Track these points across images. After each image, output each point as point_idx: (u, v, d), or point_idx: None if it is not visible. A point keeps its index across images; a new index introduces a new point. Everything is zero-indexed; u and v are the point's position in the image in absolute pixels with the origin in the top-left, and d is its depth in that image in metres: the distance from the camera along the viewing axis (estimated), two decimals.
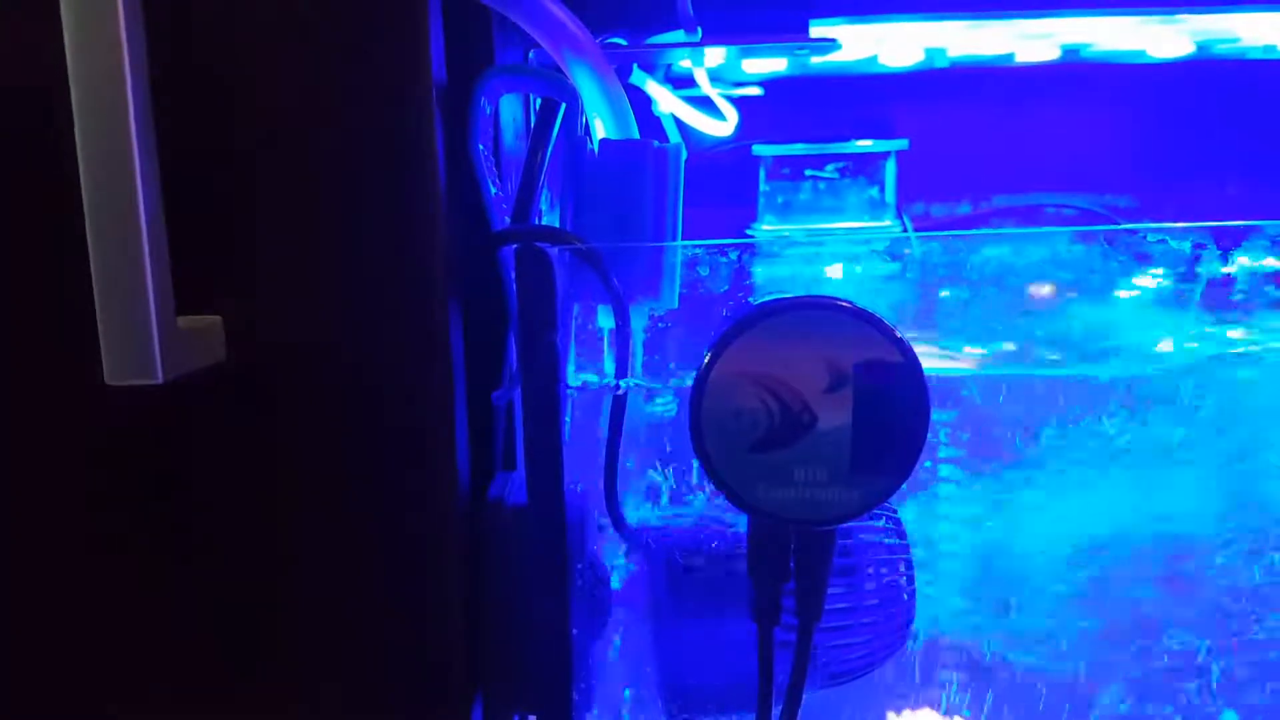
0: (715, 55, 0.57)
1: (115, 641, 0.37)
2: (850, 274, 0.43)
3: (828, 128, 0.73)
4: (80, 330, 0.31)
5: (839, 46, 0.52)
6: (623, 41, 0.50)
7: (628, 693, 0.46)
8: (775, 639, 0.38)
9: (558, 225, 0.44)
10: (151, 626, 0.37)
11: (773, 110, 0.71)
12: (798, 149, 0.71)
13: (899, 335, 0.34)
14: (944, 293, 0.42)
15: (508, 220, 0.41)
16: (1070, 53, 0.66)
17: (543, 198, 0.44)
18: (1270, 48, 0.66)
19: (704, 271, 0.41)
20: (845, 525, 0.38)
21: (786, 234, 0.71)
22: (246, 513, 0.36)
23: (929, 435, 0.35)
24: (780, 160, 0.72)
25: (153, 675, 0.37)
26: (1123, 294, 0.42)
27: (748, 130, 0.68)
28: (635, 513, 0.44)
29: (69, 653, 0.37)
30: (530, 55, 0.46)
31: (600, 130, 0.43)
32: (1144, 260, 0.41)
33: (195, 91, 0.33)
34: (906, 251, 0.43)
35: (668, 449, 0.44)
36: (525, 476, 0.38)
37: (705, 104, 0.60)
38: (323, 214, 0.34)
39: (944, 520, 0.52)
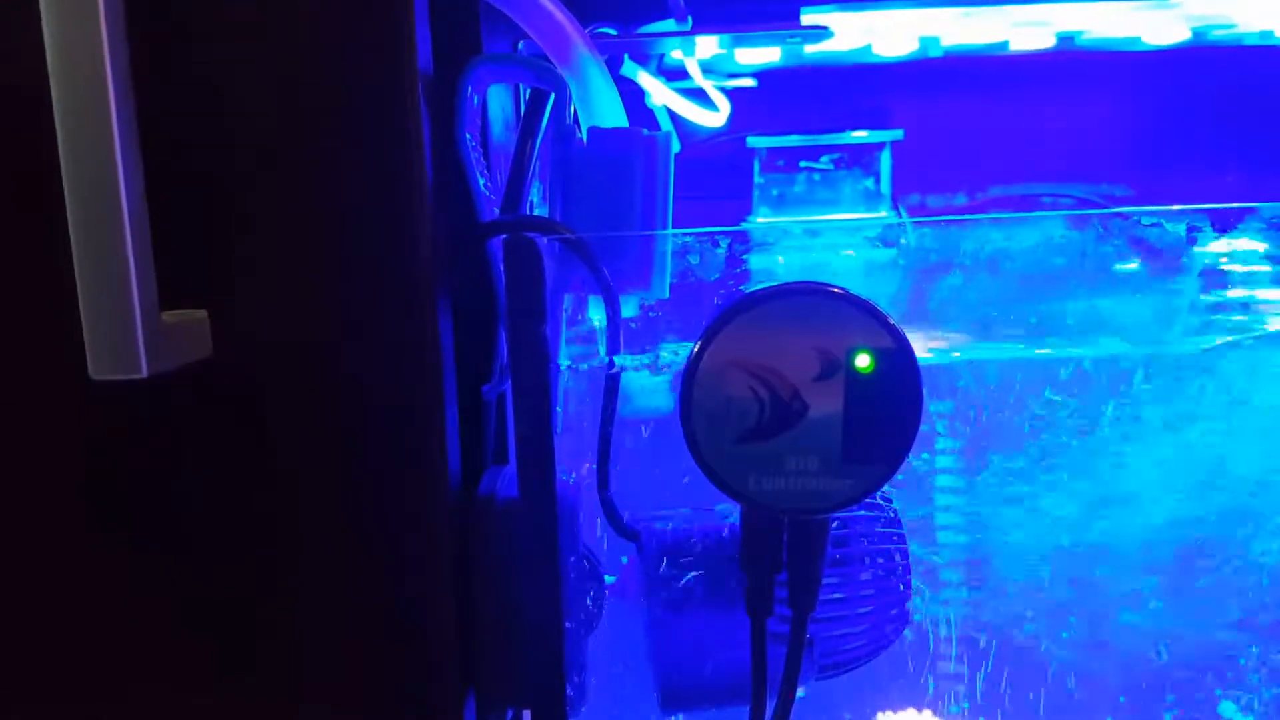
0: (708, 46, 0.56)
1: (106, 640, 0.37)
2: (844, 261, 0.42)
3: (822, 119, 0.72)
4: (65, 325, 0.31)
5: (831, 34, 0.52)
6: (612, 31, 0.50)
7: (622, 685, 0.45)
8: (770, 630, 0.38)
9: (547, 216, 0.44)
10: (143, 625, 0.36)
11: (766, 102, 0.70)
12: (792, 140, 0.71)
13: (891, 321, 0.34)
14: (938, 279, 0.41)
15: (497, 211, 0.41)
16: (1065, 40, 0.66)
17: (534, 189, 0.44)
18: (1267, 33, 0.65)
19: (694, 260, 0.41)
20: (839, 515, 0.37)
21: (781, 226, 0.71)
22: (235, 510, 0.36)
23: (923, 424, 0.35)
24: (775, 152, 0.71)
25: (144, 674, 0.37)
26: (1119, 278, 0.42)
27: (741, 122, 0.68)
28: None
29: (59, 651, 0.37)
30: (520, 45, 0.46)
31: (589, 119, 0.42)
32: (1139, 244, 0.40)
33: (177, 83, 0.33)
34: (901, 240, 0.42)
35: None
36: (516, 470, 0.37)
37: (699, 96, 0.60)
38: (307, 206, 0.34)
39: (940, 510, 0.51)
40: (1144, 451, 0.50)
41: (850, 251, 0.43)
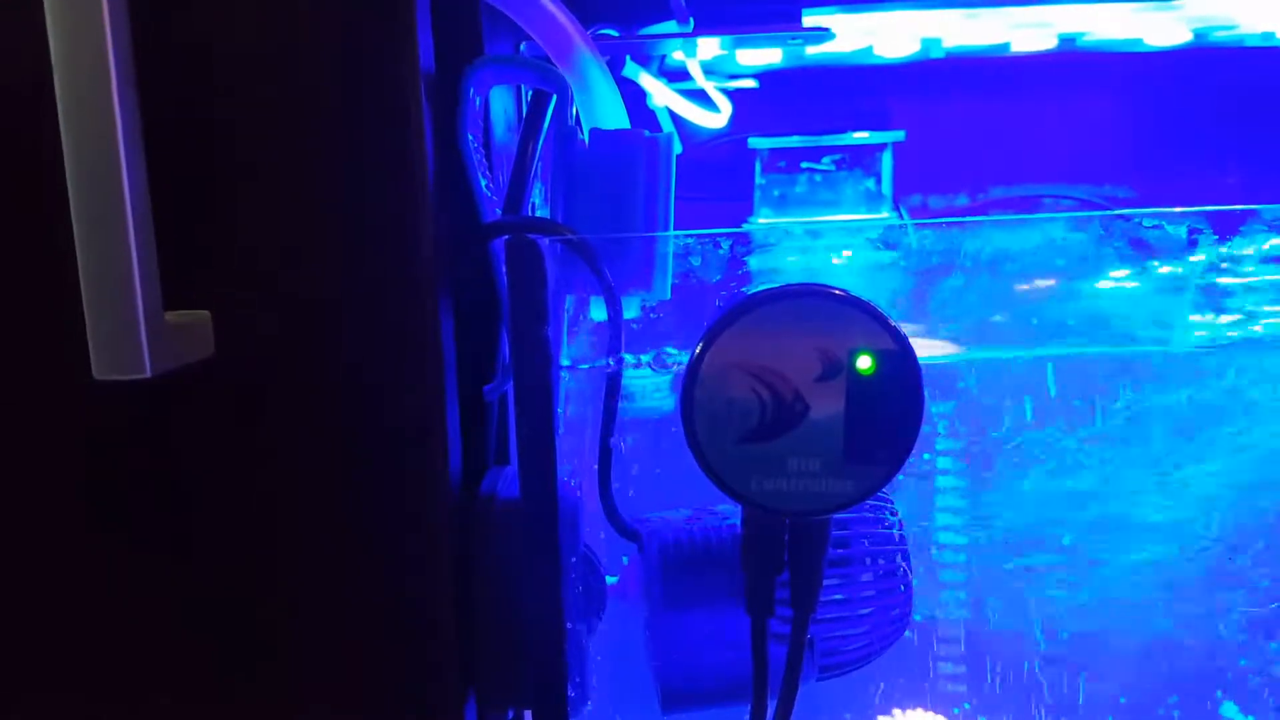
0: (709, 47, 0.57)
1: (106, 640, 0.37)
2: (845, 263, 0.42)
3: (823, 120, 0.72)
4: (69, 325, 0.31)
5: (832, 36, 0.52)
6: (614, 32, 0.50)
7: (622, 685, 0.45)
8: (771, 631, 0.38)
9: (549, 217, 0.44)
10: (142, 624, 0.36)
11: (768, 103, 0.70)
12: (793, 141, 0.71)
13: (893, 322, 0.34)
14: (940, 280, 0.41)
15: (499, 212, 0.41)
16: (1067, 41, 0.66)
17: (536, 191, 0.44)
18: (1268, 35, 0.66)
19: (696, 261, 0.41)
20: (840, 516, 0.37)
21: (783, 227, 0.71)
22: (236, 511, 0.36)
23: (924, 424, 0.35)
24: (776, 153, 0.72)
25: (144, 673, 0.37)
26: (1119, 280, 0.42)
27: (743, 123, 0.68)
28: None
29: (59, 651, 0.37)
30: (522, 47, 0.46)
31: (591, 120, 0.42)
32: (1140, 246, 0.40)
33: (180, 83, 0.33)
34: (902, 240, 0.43)
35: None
36: (518, 470, 0.37)
37: (700, 97, 0.60)
38: (310, 206, 0.34)
39: (940, 510, 0.51)
40: (1144, 452, 0.50)
41: (847, 254, 0.43)
